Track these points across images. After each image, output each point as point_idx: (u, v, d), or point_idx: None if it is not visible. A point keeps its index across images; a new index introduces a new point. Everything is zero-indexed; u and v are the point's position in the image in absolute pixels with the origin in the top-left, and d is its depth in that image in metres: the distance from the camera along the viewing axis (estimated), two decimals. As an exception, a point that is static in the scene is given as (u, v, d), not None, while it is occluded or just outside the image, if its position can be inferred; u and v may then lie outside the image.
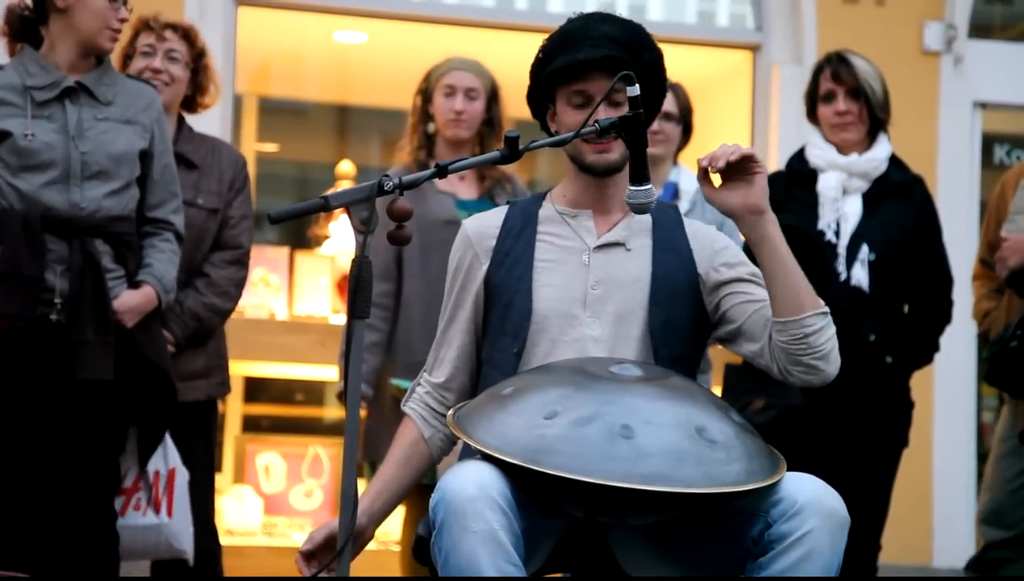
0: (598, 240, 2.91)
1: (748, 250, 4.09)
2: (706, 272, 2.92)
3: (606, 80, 2.82)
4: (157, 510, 3.89)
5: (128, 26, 4.14)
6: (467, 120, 4.39)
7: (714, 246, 2.95)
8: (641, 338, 2.86)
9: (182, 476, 3.97)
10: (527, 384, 2.66)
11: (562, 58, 2.86)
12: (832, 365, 2.79)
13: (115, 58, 4.13)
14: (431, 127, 4.44)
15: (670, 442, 2.52)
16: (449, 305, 2.97)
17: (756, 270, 2.89)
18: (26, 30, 3.74)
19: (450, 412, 2.75)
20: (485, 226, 2.96)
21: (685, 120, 4.57)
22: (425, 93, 4.46)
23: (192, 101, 4.26)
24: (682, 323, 2.89)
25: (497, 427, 2.57)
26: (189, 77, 4.20)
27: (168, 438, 3.96)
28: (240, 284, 4.23)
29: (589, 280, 2.88)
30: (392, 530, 5.86)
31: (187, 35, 4.19)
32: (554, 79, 2.89)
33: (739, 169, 2.76)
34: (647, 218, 2.95)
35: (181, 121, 4.24)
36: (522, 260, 2.90)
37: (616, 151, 2.87)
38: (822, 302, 2.77)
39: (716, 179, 2.79)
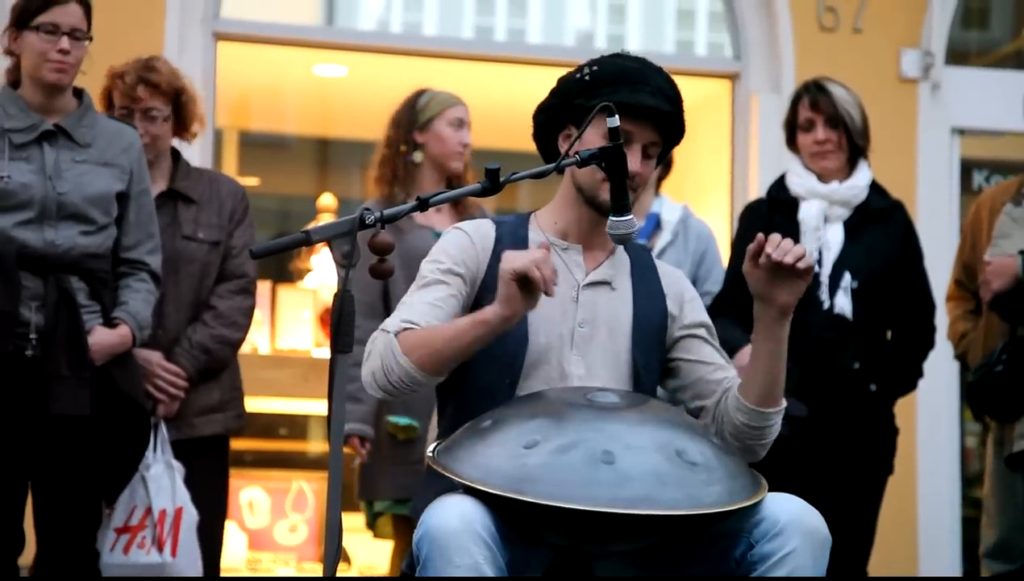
0: (587, 277, 2.91)
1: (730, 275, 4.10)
2: (673, 317, 2.97)
3: (651, 130, 2.86)
4: (161, 549, 3.86)
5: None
6: (467, 154, 4.41)
7: (684, 295, 3.01)
8: (624, 379, 2.87)
9: (190, 516, 3.94)
10: (506, 415, 2.66)
11: (625, 94, 2.83)
12: (764, 454, 2.87)
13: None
14: (418, 156, 4.42)
15: (652, 465, 2.53)
16: (444, 282, 2.84)
17: (710, 326, 2.99)
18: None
19: (430, 448, 2.73)
20: (484, 239, 2.91)
21: (664, 150, 4.58)
22: (414, 122, 4.43)
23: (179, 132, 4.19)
24: (656, 365, 2.94)
25: (478, 459, 2.57)
26: (171, 118, 4.13)
27: (178, 476, 3.95)
28: (248, 313, 4.20)
29: (577, 317, 2.88)
30: (380, 564, 5.85)
31: (158, 88, 4.07)
32: (602, 108, 2.82)
33: (791, 270, 2.75)
34: (626, 258, 2.97)
35: (177, 158, 4.22)
36: None
37: (630, 197, 2.88)
38: (783, 399, 2.84)
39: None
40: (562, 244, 2.93)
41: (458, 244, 2.90)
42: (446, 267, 2.87)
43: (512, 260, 2.62)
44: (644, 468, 2.52)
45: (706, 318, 3.02)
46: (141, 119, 4.06)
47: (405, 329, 2.76)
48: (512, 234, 2.93)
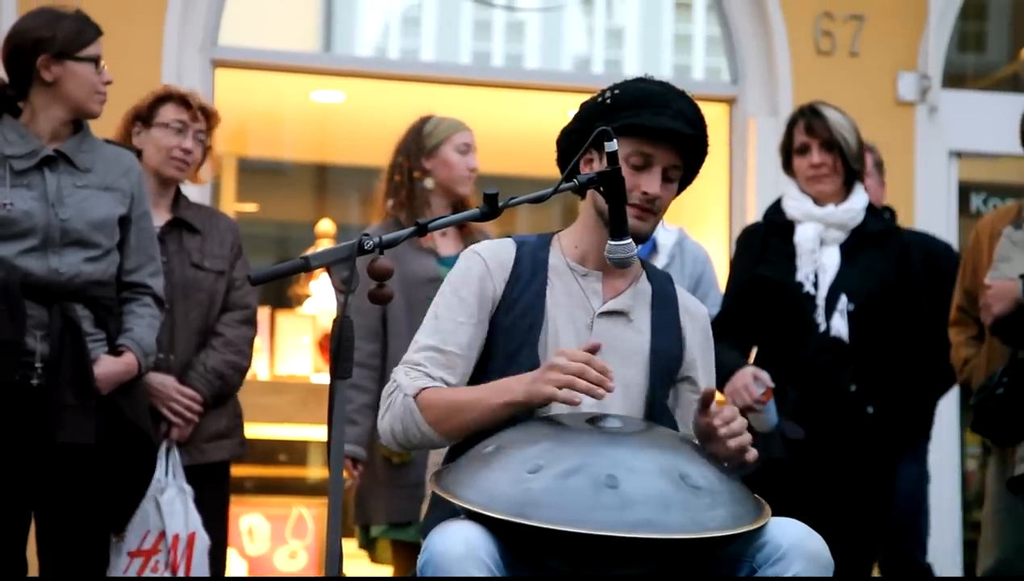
0: (603, 306, 2.90)
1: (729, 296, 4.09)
2: (689, 349, 2.97)
3: (672, 152, 2.84)
4: (175, 573, 3.88)
5: (148, 92, 4.17)
6: (475, 178, 4.43)
7: (704, 330, 3.00)
8: (638, 411, 2.86)
9: (202, 540, 3.96)
10: (508, 441, 2.65)
11: (645, 117, 2.83)
12: None
13: (116, 121, 4.15)
14: (429, 183, 4.43)
15: (655, 490, 2.52)
16: (461, 312, 2.85)
17: (711, 395, 2.94)
18: (2, 105, 3.74)
19: (432, 474, 2.73)
20: (499, 261, 2.90)
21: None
22: (422, 148, 4.44)
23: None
24: (670, 399, 2.95)
25: (482, 484, 2.56)
26: None
27: (190, 501, 3.97)
28: (251, 343, 4.25)
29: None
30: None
31: (211, 120, 4.21)
32: (624, 132, 2.83)
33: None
34: (648, 288, 2.96)
35: (177, 191, 4.25)
36: (532, 311, 2.85)
37: (651, 222, 2.89)
38: None
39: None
40: (581, 270, 2.92)
41: (470, 269, 2.89)
42: (461, 295, 2.86)
43: (559, 368, 2.63)
44: (648, 492, 2.51)
45: (710, 383, 3.01)
46: (193, 139, 4.14)
47: (423, 389, 2.77)
48: (532, 256, 2.92)
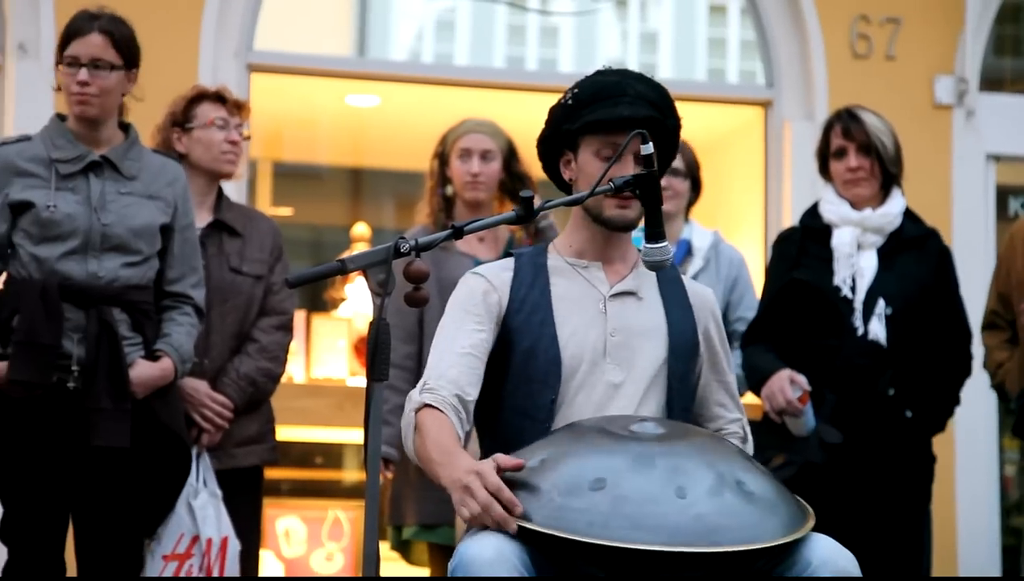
0: (612, 289, 2.94)
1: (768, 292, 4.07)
2: (704, 330, 3.00)
3: (637, 138, 2.84)
4: (209, 577, 3.90)
5: (178, 96, 4.19)
6: (484, 182, 4.40)
7: (713, 309, 3.04)
8: (661, 388, 2.90)
9: (234, 545, 3.99)
10: (558, 454, 2.63)
11: (602, 111, 2.88)
12: None
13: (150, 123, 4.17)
14: (449, 190, 4.44)
15: (719, 499, 2.54)
16: (469, 321, 2.89)
17: (730, 365, 3.03)
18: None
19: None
20: (498, 272, 2.97)
21: (692, 175, 4.59)
22: (442, 156, 4.47)
23: None
24: (691, 378, 2.97)
25: (544, 502, 2.54)
26: None
27: (222, 506, 3.98)
28: (287, 349, 4.26)
29: (608, 328, 2.90)
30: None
31: (243, 113, 4.24)
32: (587, 129, 2.91)
33: None
34: (651, 272, 2.97)
35: (220, 192, 4.27)
36: (540, 308, 2.90)
37: (635, 209, 2.91)
38: None
39: None
40: (581, 263, 2.97)
41: (472, 286, 2.95)
42: (466, 309, 2.91)
43: (471, 494, 2.56)
44: (713, 502, 2.53)
45: (726, 345, 3.05)
46: (235, 129, 4.17)
47: (425, 405, 2.78)
48: (531, 262, 2.98)
